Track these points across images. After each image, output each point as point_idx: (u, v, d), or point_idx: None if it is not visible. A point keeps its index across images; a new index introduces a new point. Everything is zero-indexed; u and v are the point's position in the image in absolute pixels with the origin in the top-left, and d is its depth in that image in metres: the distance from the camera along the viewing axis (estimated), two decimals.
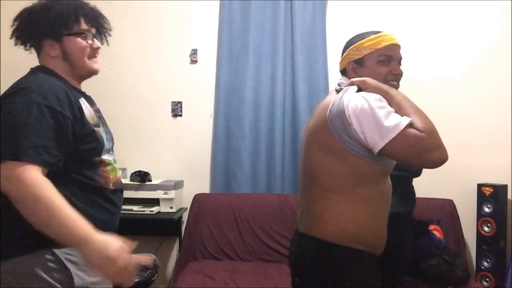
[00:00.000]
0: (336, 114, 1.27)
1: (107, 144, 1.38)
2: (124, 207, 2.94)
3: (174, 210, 2.96)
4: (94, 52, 1.39)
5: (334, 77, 3.16)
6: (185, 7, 3.33)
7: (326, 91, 3.16)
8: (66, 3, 1.34)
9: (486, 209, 2.88)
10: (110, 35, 1.47)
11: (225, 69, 3.23)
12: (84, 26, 1.36)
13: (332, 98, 1.34)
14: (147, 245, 3.02)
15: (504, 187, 2.93)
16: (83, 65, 1.37)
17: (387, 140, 1.19)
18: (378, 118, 1.20)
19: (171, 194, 2.94)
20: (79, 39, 1.34)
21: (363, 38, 1.42)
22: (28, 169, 1.12)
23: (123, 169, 3.12)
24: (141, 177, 2.99)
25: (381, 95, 1.29)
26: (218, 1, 3.29)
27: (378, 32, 1.43)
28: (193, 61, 3.33)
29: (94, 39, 1.39)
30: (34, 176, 1.12)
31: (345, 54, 1.47)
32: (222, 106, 3.22)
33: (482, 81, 3.13)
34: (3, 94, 1.26)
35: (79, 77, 1.41)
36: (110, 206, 1.37)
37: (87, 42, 1.36)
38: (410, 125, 1.20)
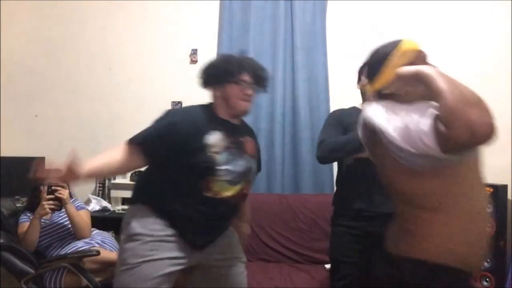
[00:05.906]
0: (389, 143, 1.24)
1: (222, 167, 1.68)
2: (124, 207, 2.97)
3: None
4: (246, 97, 1.74)
5: (334, 77, 3.18)
6: (185, 7, 3.34)
7: (326, 91, 3.17)
8: (237, 59, 1.75)
9: None
10: (268, 83, 1.83)
11: None
12: (244, 77, 1.72)
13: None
14: None
15: (504, 187, 2.93)
16: (234, 105, 1.73)
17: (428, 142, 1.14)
18: (413, 130, 1.17)
19: None
20: (235, 86, 1.72)
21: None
22: None
23: None
24: None
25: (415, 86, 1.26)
26: (218, 1, 3.29)
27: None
28: (193, 61, 3.34)
29: (248, 88, 1.74)
30: None
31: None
32: None
33: (481, 81, 3.12)
34: None
35: (232, 114, 1.76)
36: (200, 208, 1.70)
37: (241, 89, 1.72)
38: (437, 117, 1.14)
